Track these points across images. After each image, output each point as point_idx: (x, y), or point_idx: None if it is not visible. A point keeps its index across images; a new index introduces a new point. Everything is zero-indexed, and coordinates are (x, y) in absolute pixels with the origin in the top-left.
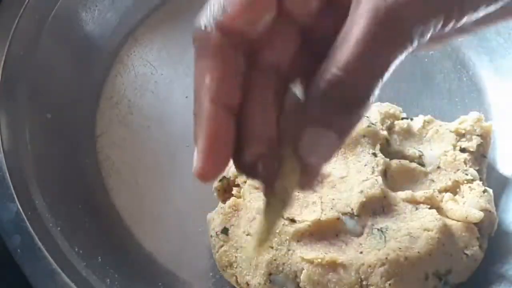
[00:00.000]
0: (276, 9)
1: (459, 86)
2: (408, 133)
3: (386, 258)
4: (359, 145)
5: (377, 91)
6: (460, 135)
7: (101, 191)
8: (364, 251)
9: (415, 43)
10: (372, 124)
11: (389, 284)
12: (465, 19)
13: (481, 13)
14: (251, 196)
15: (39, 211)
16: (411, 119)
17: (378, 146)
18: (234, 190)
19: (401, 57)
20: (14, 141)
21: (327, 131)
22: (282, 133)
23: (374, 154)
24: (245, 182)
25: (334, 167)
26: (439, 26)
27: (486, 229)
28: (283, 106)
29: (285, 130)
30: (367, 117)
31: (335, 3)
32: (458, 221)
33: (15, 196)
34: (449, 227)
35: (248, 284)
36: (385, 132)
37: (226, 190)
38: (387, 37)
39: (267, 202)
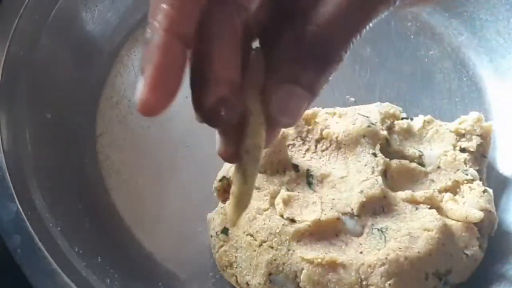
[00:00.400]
0: None
1: (459, 86)
2: (408, 133)
3: (386, 258)
4: (359, 145)
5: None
6: (460, 135)
7: (101, 191)
8: (364, 251)
9: (398, 2)
10: (372, 124)
11: (389, 284)
12: None
13: None
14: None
15: (39, 211)
16: (411, 119)
17: (378, 146)
18: None
19: (381, 16)
20: (14, 141)
21: (299, 89)
22: (249, 88)
23: (374, 154)
24: None
25: (334, 167)
26: None
27: (486, 229)
28: (248, 61)
29: (252, 85)
30: (367, 117)
31: None
32: (458, 221)
33: (15, 196)
34: (449, 227)
35: (248, 284)
36: (385, 132)
37: (226, 190)
38: None
39: (239, 164)
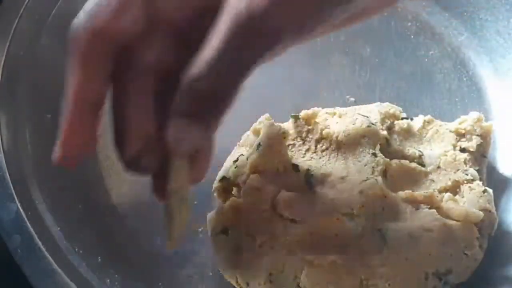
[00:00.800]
0: (146, 17)
1: (459, 86)
2: (408, 133)
3: (386, 258)
4: (359, 145)
5: (240, 89)
6: (460, 135)
7: (101, 191)
8: (364, 251)
9: (282, 47)
10: (372, 124)
11: (389, 284)
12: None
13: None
14: (251, 196)
15: (39, 211)
16: (411, 119)
17: (378, 146)
18: (234, 190)
19: (266, 59)
20: (14, 141)
21: (193, 124)
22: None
23: (374, 154)
24: (245, 182)
25: (334, 167)
26: (306, 30)
27: (486, 229)
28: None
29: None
30: (367, 117)
31: (212, 7)
32: (458, 221)
33: (15, 196)
34: (449, 227)
35: (248, 284)
36: (385, 132)
37: (226, 190)
38: (246, 42)
39: (168, 204)
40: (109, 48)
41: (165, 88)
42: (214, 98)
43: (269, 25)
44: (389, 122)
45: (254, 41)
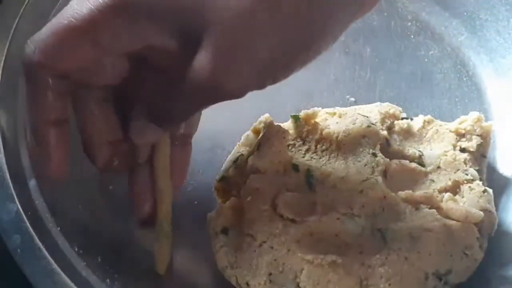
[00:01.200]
0: (93, 50)
1: (459, 86)
2: (408, 133)
3: (386, 258)
4: (359, 145)
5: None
6: (460, 135)
7: (101, 191)
8: (364, 251)
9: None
10: (372, 124)
11: (389, 284)
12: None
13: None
14: (251, 196)
15: (39, 211)
16: (411, 119)
17: (378, 146)
18: (234, 190)
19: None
20: (14, 141)
21: (151, 124)
22: (158, 168)
23: (374, 154)
24: (245, 182)
25: (334, 167)
26: (252, 88)
27: (486, 229)
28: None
29: (160, 166)
30: (367, 117)
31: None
32: (458, 221)
33: (15, 196)
34: (449, 227)
35: (248, 284)
36: (385, 132)
37: (226, 190)
38: (195, 96)
39: (156, 235)
40: (59, 76)
41: (125, 95)
42: (167, 119)
43: (218, 88)
44: (389, 122)
45: (200, 97)
